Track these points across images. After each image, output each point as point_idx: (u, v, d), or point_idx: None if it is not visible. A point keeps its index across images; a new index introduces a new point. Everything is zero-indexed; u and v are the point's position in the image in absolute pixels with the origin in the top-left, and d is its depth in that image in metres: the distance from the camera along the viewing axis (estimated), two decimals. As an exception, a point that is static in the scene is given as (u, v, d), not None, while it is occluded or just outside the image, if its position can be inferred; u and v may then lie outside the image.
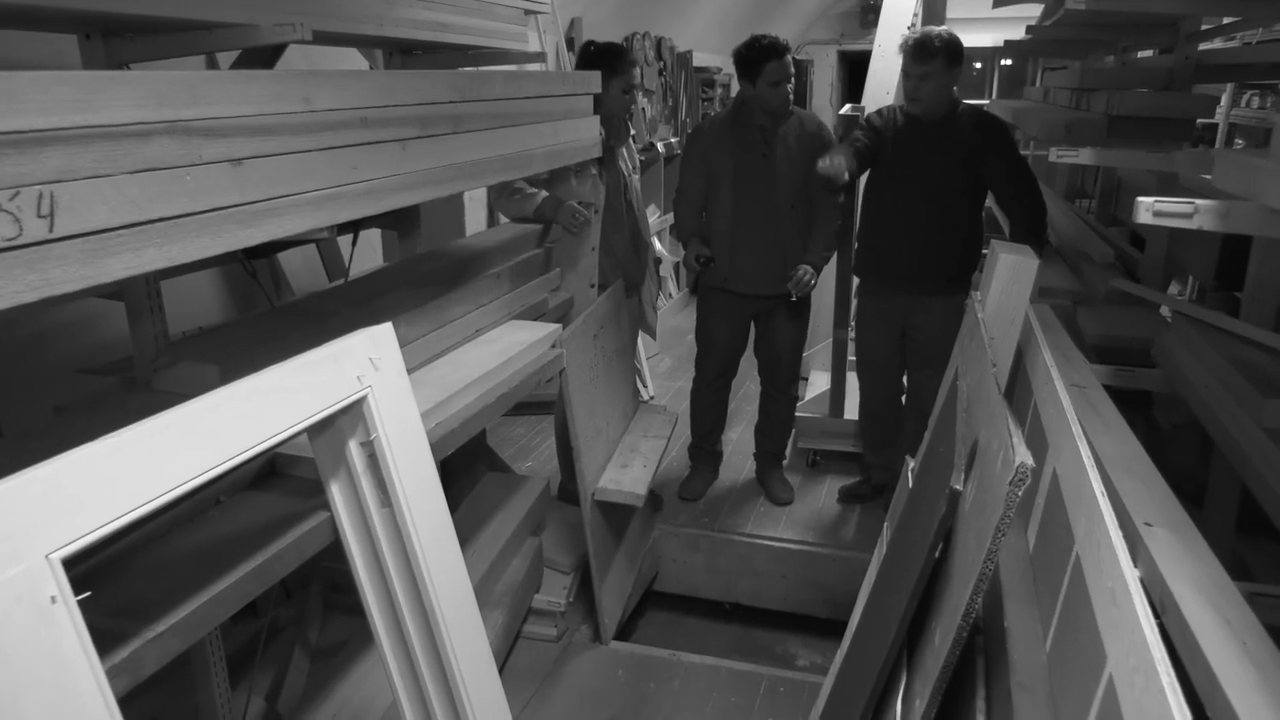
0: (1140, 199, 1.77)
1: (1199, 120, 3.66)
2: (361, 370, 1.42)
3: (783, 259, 3.15)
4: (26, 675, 0.87)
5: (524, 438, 4.26)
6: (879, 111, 3.11)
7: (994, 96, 8.57)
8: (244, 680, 2.15)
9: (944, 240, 2.99)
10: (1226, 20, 3.60)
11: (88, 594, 0.94)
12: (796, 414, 3.66)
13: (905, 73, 2.92)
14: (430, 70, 2.39)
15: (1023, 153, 3.33)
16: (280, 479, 1.63)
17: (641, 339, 3.93)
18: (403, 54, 2.51)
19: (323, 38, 1.86)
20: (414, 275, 2.33)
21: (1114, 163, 3.48)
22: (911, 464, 2.23)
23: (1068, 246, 3.83)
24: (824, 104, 9.23)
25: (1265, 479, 1.75)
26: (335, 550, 1.53)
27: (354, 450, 1.46)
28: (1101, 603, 1.08)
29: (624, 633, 3.07)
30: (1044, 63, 6.79)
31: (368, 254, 3.29)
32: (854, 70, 9.09)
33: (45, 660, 0.89)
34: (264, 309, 2.61)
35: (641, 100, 5.48)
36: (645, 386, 4.73)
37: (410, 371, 1.62)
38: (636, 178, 3.42)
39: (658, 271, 3.96)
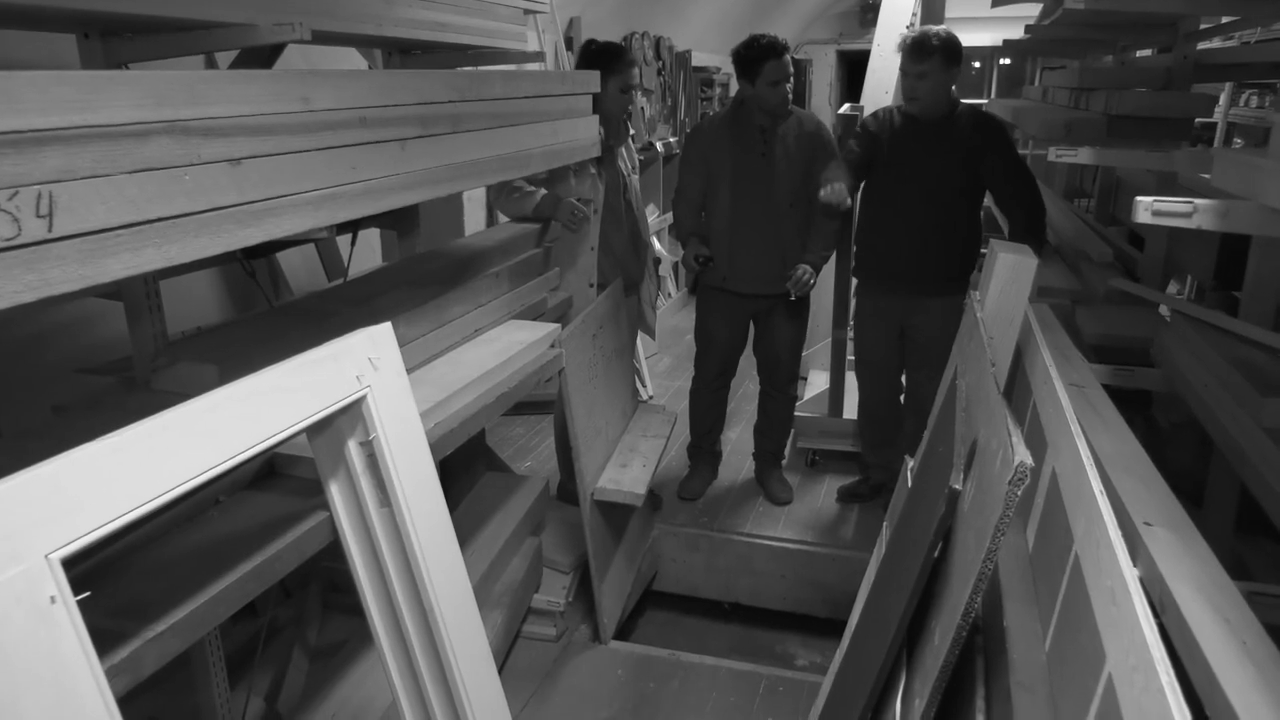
0: (1139, 198, 1.77)
1: (1197, 119, 3.66)
2: (360, 370, 1.42)
3: (782, 258, 3.15)
4: (26, 675, 0.87)
5: (523, 437, 4.26)
6: (875, 114, 3.11)
7: (993, 96, 8.57)
8: (243, 680, 2.15)
9: (943, 240, 2.99)
10: (1225, 20, 3.60)
11: (87, 594, 0.94)
12: (795, 413, 3.66)
13: (903, 71, 2.93)
14: (429, 70, 2.39)
15: (1022, 152, 3.33)
16: (279, 479, 1.63)
17: (640, 338, 3.93)
18: (401, 54, 2.51)
19: (321, 37, 1.86)
20: (413, 275, 2.33)
21: (1113, 162, 3.48)
22: (911, 463, 2.23)
23: (1067, 246, 3.83)
24: (823, 103, 9.23)
25: (1264, 478, 1.76)
26: (334, 550, 1.53)
27: (353, 450, 1.46)
28: (1101, 602, 1.08)
29: (623, 632, 3.07)
30: (1043, 62, 6.80)
31: (366, 254, 3.29)
32: (853, 70, 9.09)
33: (45, 660, 0.89)
34: (263, 309, 2.61)
35: (640, 100, 5.48)
36: (644, 386, 4.73)
37: (409, 371, 1.62)
38: (636, 177, 3.42)
39: (657, 271, 3.95)
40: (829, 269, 3.40)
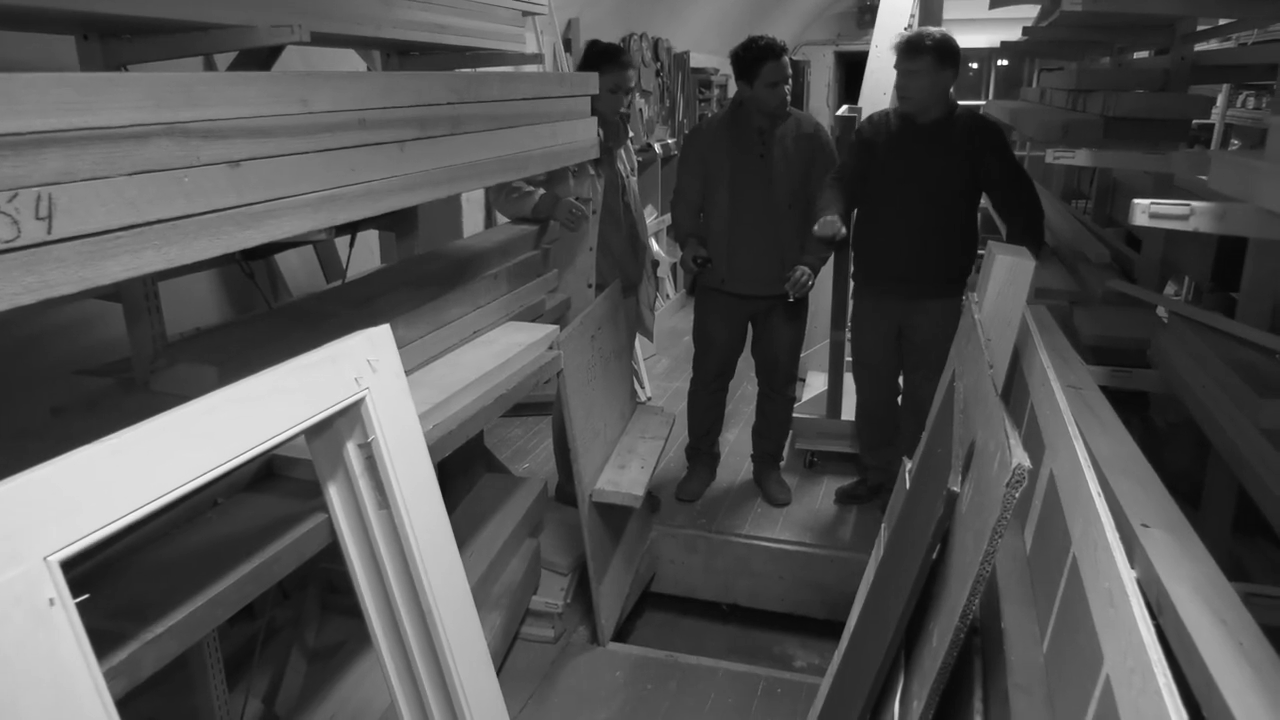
0: (1136, 200, 1.78)
1: (1195, 121, 3.67)
2: (359, 372, 1.43)
3: (780, 260, 3.15)
4: (25, 677, 0.87)
5: (521, 439, 4.26)
6: (870, 118, 3.11)
7: (990, 97, 8.58)
8: (241, 681, 2.15)
9: (940, 242, 2.99)
10: (1222, 21, 3.61)
11: (86, 596, 0.94)
12: (794, 415, 3.66)
13: (896, 69, 2.94)
14: (428, 71, 2.39)
15: (1019, 154, 3.34)
16: (278, 481, 1.63)
17: (639, 339, 3.93)
18: (400, 55, 2.51)
19: (320, 39, 1.86)
20: (412, 277, 2.33)
21: (1110, 164, 3.49)
22: (909, 465, 2.24)
23: (1064, 247, 3.83)
24: (821, 105, 9.25)
25: (1261, 479, 1.76)
26: (333, 552, 1.53)
27: (352, 452, 1.46)
28: (1098, 603, 1.09)
29: (621, 634, 3.07)
30: (1040, 64, 6.80)
31: (365, 255, 3.29)
32: (851, 71, 9.11)
33: (43, 662, 0.89)
34: (262, 310, 2.61)
35: (639, 101, 5.48)
36: (643, 387, 4.73)
37: (408, 373, 1.62)
38: (634, 179, 3.42)
39: (655, 273, 3.96)
40: (827, 270, 3.40)
